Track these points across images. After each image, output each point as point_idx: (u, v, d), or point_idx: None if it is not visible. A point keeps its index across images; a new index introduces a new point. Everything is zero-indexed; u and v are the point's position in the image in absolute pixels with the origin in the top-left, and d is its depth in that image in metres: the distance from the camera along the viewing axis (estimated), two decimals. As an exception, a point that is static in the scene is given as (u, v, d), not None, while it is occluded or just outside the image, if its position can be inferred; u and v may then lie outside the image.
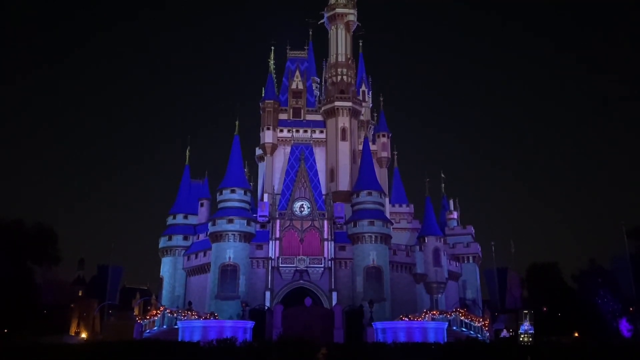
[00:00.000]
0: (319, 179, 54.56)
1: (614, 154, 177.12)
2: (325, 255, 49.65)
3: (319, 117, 60.56)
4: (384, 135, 63.61)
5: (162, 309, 44.54)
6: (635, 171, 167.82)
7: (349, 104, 59.39)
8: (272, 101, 59.62)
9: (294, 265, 49.13)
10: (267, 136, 58.68)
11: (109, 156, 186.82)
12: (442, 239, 55.11)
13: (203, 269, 52.15)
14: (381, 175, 60.00)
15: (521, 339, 39.17)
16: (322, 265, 49.30)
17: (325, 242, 50.06)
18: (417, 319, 41.79)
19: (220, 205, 51.09)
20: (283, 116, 60.21)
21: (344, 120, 59.15)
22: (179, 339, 38.23)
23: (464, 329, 43.55)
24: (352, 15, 63.42)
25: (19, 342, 42.42)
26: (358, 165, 57.14)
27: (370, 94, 67.26)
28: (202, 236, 54.24)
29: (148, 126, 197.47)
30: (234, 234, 49.19)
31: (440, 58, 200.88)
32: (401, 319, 42.12)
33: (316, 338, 36.76)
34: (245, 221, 49.73)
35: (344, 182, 57.21)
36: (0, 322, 52.75)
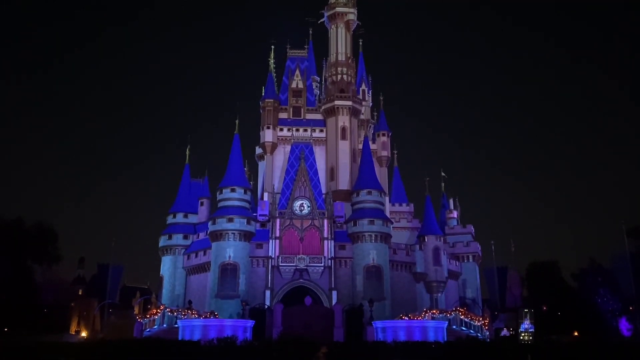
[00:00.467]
0: (319, 178, 54.57)
1: (614, 153, 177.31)
2: (325, 254, 49.67)
3: (319, 116, 60.62)
4: (384, 134, 63.63)
5: (162, 307, 44.55)
6: (636, 170, 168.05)
7: (349, 103, 59.42)
8: (272, 100, 59.66)
9: (294, 264, 49.16)
10: (267, 135, 58.72)
11: (109, 155, 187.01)
12: (442, 238, 55.14)
13: (203, 267, 52.20)
14: (381, 174, 60.02)
15: (521, 337, 39.19)
16: (322, 264, 49.33)
17: (325, 241, 50.08)
18: (417, 318, 41.83)
19: (220, 204, 51.13)
20: (283, 115, 60.26)
21: (344, 119, 59.20)
22: (179, 338, 38.23)
23: (463, 328, 43.58)
24: (352, 14, 63.46)
25: (20, 340, 42.44)
26: (358, 164, 57.19)
27: (370, 93, 67.30)
28: (202, 235, 54.29)
29: (148, 125, 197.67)
30: (234, 233, 49.23)
31: (440, 57, 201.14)
32: (401, 318, 42.15)
33: (316, 337, 36.87)
34: (245, 220, 49.76)
35: (344, 181, 57.27)
36: (1, 321, 52.83)
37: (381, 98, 66.09)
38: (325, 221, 50.68)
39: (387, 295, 49.08)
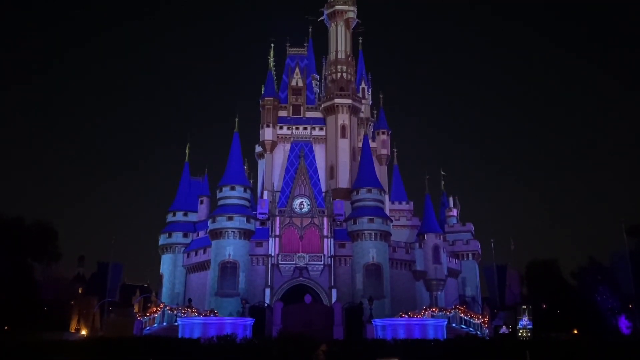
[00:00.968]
0: (318, 176, 54.53)
1: (614, 151, 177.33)
2: (325, 252, 49.70)
3: (318, 115, 60.62)
4: (383, 133, 63.55)
5: (162, 306, 44.65)
6: (635, 169, 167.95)
7: (349, 101, 59.42)
8: (271, 98, 59.64)
9: (294, 262, 49.20)
10: (267, 133, 58.72)
11: (109, 153, 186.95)
12: (441, 236, 55.17)
13: (203, 266, 52.23)
14: (381, 172, 60.02)
15: (520, 334, 39.23)
16: (322, 263, 49.36)
17: (325, 240, 50.11)
18: (417, 316, 41.93)
19: (220, 202, 51.17)
20: (283, 113, 60.26)
21: (343, 118, 59.20)
22: (179, 336, 38.31)
23: (463, 326, 43.70)
24: (351, 12, 63.43)
25: (20, 339, 42.44)
26: (358, 163, 57.20)
27: (370, 91, 67.30)
28: (201, 233, 54.33)
29: (148, 123, 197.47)
30: (233, 231, 49.26)
31: (440, 55, 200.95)
32: (401, 316, 42.26)
33: (316, 335, 36.89)
34: (245, 218, 49.79)
35: (343, 180, 57.29)
36: (1, 319, 52.82)
37: (381, 96, 66.06)
38: (325, 219, 50.70)
39: (386, 294, 49.13)
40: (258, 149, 62.18)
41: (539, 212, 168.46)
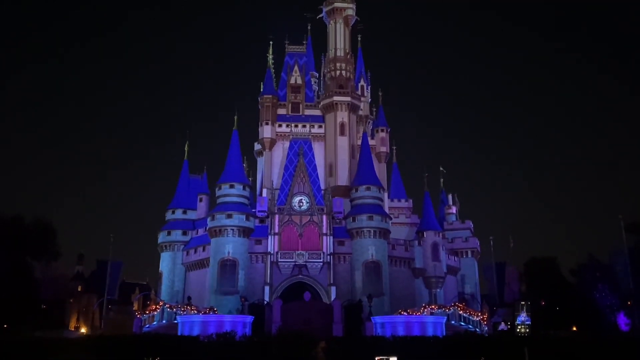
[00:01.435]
0: (317, 174, 54.54)
1: (613, 149, 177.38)
2: (324, 250, 49.74)
3: (317, 112, 60.58)
4: (382, 130, 63.51)
5: (161, 303, 44.67)
6: (634, 166, 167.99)
7: (348, 98, 59.39)
8: (270, 96, 59.59)
9: (293, 260, 49.25)
10: (266, 131, 58.70)
11: (108, 151, 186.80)
12: (440, 234, 55.23)
13: (202, 264, 52.28)
14: (380, 170, 60.05)
15: (518, 330, 39.24)
16: (321, 260, 49.40)
17: (324, 237, 50.15)
18: (416, 314, 41.91)
19: (219, 200, 51.17)
20: (282, 111, 60.23)
21: (342, 115, 59.16)
22: (179, 334, 38.32)
23: (462, 323, 43.70)
24: (350, 9, 63.39)
25: (19, 337, 42.49)
26: (357, 160, 57.18)
27: (369, 88, 67.24)
28: (201, 231, 54.34)
29: (147, 121, 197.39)
30: (232, 229, 49.27)
31: (439, 53, 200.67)
32: (400, 314, 42.22)
33: (315, 332, 36.89)
34: (244, 216, 49.81)
35: (342, 177, 57.28)
36: (0, 318, 52.86)
37: (380, 94, 66.04)
38: (324, 217, 50.72)
39: (385, 291, 49.20)
40: (257, 146, 62.12)
41: (538, 210, 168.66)
